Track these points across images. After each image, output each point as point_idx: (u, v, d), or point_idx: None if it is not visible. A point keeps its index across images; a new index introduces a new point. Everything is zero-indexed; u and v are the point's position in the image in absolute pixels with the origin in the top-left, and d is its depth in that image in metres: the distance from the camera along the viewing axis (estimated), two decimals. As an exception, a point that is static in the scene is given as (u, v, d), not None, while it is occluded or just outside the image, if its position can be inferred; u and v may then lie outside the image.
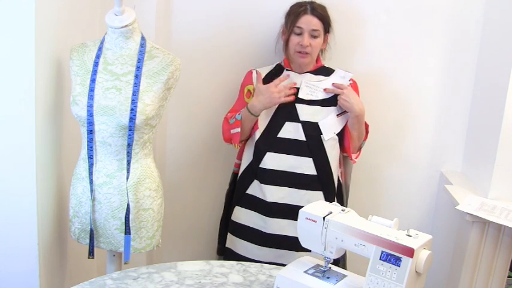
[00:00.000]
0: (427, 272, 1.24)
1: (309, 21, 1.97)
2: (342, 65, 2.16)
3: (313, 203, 1.42)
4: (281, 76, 2.01)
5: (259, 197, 2.03)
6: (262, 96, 1.96)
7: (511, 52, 1.99)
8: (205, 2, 2.28)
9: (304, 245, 1.41)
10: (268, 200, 2.01)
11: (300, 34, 1.98)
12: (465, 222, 2.00)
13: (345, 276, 1.39)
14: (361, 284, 1.32)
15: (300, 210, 1.38)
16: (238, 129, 2.01)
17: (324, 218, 1.33)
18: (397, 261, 1.20)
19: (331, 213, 1.35)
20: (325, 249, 1.35)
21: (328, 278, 1.37)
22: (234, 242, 2.12)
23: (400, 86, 2.35)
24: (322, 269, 1.41)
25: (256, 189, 2.05)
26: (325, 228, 1.33)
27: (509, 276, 2.06)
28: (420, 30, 2.29)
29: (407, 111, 2.38)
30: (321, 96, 2.03)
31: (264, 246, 2.04)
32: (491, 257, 2.02)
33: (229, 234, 2.14)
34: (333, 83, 2.04)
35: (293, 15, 2.00)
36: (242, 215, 2.09)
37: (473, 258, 2.03)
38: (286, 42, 2.03)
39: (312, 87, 2.03)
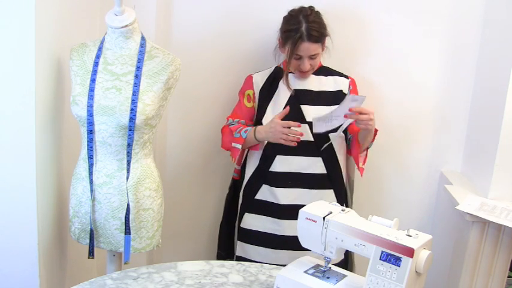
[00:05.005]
0: (427, 272, 1.24)
1: (306, 49, 1.94)
2: (342, 66, 2.16)
3: (313, 203, 1.42)
4: (291, 123, 1.90)
5: (271, 201, 2.03)
6: (269, 128, 1.93)
7: (511, 52, 1.99)
8: (206, 3, 2.28)
9: (304, 245, 1.41)
10: (282, 202, 2.01)
11: (299, 59, 1.97)
12: (465, 222, 2.00)
13: (345, 276, 1.39)
14: (361, 284, 1.32)
15: (300, 210, 1.38)
16: (240, 146, 2.01)
17: (324, 218, 1.33)
18: (397, 261, 1.20)
19: (331, 213, 1.35)
20: (325, 249, 1.35)
21: (328, 278, 1.37)
22: (245, 249, 2.10)
23: (400, 86, 2.35)
24: (322, 269, 1.41)
25: (266, 193, 2.05)
26: (325, 228, 1.33)
27: (509, 276, 2.06)
28: (420, 31, 2.29)
29: (407, 112, 2.37)
30: (337, 123, 1.92)
31: (279, 249, 2.03)
32: (491, 257, 2.02)
33: (239, 242, 2.12)
34: (351, 109, 1.85)
35: (291, 43, 1.94)
36: (253, 221, 2.08)
37: (473, 258, 2.02)
38: (287, 54, 1.98)
39: (324, 119, 1.93)
